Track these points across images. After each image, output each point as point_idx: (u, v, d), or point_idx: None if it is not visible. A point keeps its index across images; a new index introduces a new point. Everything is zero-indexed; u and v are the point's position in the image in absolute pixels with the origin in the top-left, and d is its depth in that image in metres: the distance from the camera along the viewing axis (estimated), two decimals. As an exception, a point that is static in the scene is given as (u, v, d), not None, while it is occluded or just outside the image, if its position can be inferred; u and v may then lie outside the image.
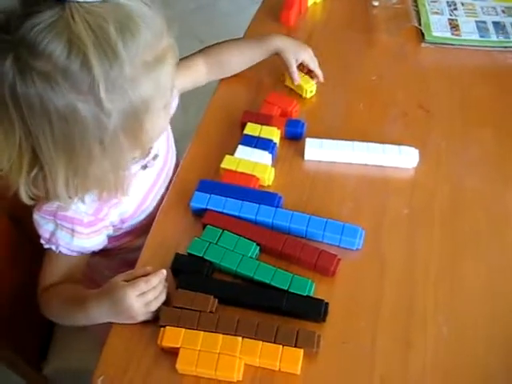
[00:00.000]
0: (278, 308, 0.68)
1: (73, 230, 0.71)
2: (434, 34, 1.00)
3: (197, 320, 0.66)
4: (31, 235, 0.74)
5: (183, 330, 0.66)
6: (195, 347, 0.64)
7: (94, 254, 0.80)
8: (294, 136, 0.85)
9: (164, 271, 0.68)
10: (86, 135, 0.60)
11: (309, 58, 0.92)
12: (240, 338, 0.65)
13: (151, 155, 0.78)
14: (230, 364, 0.64)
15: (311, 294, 0.69)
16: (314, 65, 0.93)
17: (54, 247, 0.72)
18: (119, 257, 0.87)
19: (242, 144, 0.83)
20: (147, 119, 0.64)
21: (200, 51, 0.92)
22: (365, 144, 0.83)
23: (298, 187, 0.82)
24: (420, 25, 1.01)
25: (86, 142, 0.61)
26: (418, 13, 1.04)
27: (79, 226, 0.71)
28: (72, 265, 0.74)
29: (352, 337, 0.68)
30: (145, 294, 0.65)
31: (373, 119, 0.89)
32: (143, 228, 0.80)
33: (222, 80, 0.96)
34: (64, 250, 0.72)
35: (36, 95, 0.57)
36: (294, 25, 1.04)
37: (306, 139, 0.83)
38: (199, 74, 0.92)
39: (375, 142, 0.83)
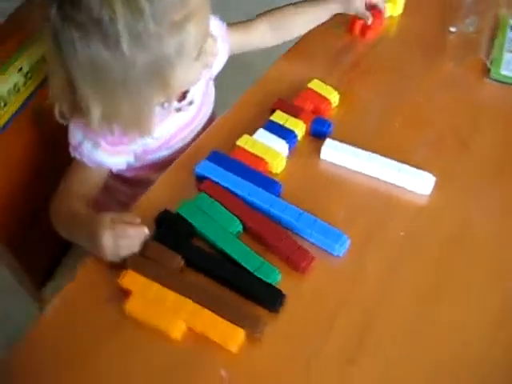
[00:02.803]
0: (239, 287, 0.70)
1: (96, 143, 0.78)
2: (503, 72, 0.95)
3: (157, 273, 0.69)
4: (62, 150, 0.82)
5: (142, 277, 0.69)
6: (147, 296, 0.68)
7: (114, 178, 0.88)
8: (319, 134, 0.86)
9: (146, 230, 0.71)
10: (111, 80, 0.68)
11: None
12: (190, 301, 0.67)
13: (186, 100, 0.83)
14: (172, 320, 0.66)
15: (274, 284, 0.70)
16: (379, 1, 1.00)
17: (78, 155, 0.79)
18: (135, 189, 0.92)
19: (264, 128, 0.85)
20: (172, 73, 0.70)
21: (262, 13, 0.96)
22: (383, 159, 0.81)
23: (304, 183, 0.82)
24: (488, 59, 0.96)
25: (111, 86, 0.68)
26: (491, 46, 0.99)
27: (103, 140, 0.78)
28: (90, 178, 0.81)
29: (297, 337, 0.68)
30: (118, 239, 0.69)
31: (404, 138, 0.87)
32: (163, 164, 0.85)
33: (278, 61, 0.98)
34: (86, 160, 0.79)
35: (71, 42, 0.65)
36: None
37: (326, 139, 0.84)
38: (260, 34, 0.96)
39: (396, 160, 0.81)
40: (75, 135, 0.79)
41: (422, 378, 0.65)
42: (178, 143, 0.88)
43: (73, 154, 0.80)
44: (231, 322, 0.66)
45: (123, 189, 0.92)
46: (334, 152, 0.82)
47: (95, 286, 0.71)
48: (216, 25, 0.88)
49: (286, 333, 0.68)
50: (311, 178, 0.83)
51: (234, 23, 0.94)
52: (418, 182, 0.80)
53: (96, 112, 0.71)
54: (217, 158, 0.81)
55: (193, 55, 0.73)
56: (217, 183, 0.78)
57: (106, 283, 0.70)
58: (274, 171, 0.82)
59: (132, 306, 0.67)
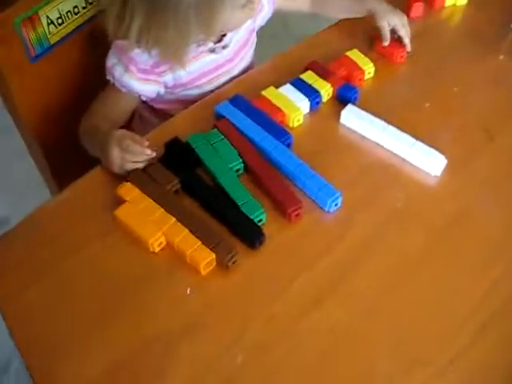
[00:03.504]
0: (224, 217, 0.73)
1: (127, 67, 0.83)
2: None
3: (153, 189, 0.74)
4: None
5: (138, 190, 0.74)
6: (137, 207, 0.72)
7: (145, 108, 0.94)
8: (344, 100, 0.86)
9: (149, 151, 0.74)
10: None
11: (401, 25, 0.93)
12: (174, 219, 0.71)
13: (222, 43, 0.87)
14: (153, 231, 0.70)
15: (259, 223, 0.72)
16: (404, 32, 0.93)
17: (110, 78, 0.85)
18: (164, 121, 0.95)
19: (291, 84, 0.86)
20: (219, 12, 0.75)
21: None
22: (399, 132, 0.81)
23: (316, 142, 0.83)
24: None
25: (163, 4, 0.73)
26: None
27: (134, 66, 0.83)
28: (118, 102, 0.87)
29: (268, 277, 0.70)
30: (124, 152, 0.74)
31: (428, 120, 0.86)
32: (192, 103, 0.89)
33: (324, 30, 0.99)
34: (117, 83, 0.84)
35: None
36: (419, 15, 1.01)
37: (348, 104, 0.84)
38: (301, 4, 1.00)
39: (413, 136, 0.81)
40: (111, 58, 0.85)
41: (383, 339, 0.66)
42: (207, 84, 0.91)
43: (107, 76, 0.86)
44: (206, 245, 0.69)
45: (153, 119, 0.97)
46: (353, 118, 0.83)
47: (96, 192, 0.77)
48: None
49: (258, 271, 0.70)
50: (325, 138, 0.84)
51: None
52: (428, 161, 0.79)
53: (137, 22, 0.76)
54: (239, 101, 0.84)
55: (241, 1, 0.77)
56: (232, 123, 0.81)
57: (107, 191, 0.76)
58: (290, 124, 0.84)
59: (121, 212, 0.72)
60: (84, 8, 0.93)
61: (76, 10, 0.92)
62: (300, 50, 0.96)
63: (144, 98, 0.89)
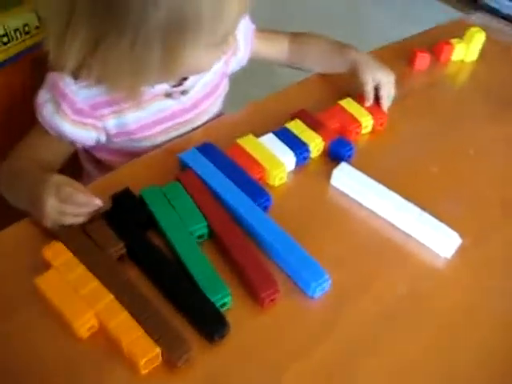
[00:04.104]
0: (176, 297, 0.56)
1: (59, 106, 0.66)
2: None
3: (89, 253, 0.57)
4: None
5: (70, 253, 0.57)
6: (66, 275, 0.55)
7: (89, 161, 0.78)
8: (337, 156, 0.72)
9: (98, 201, 0.59)
10: (125, 15, 0.57)
11: (386, 82, 0.78)
12: (111, 296, 0.54)
13: (180, 87, 0.72)
14: (81, 311, 0.53)
15: (222, 307, 0.56)
16: (385, 91, 0.78)
17: (39, 117, 0.68)
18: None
19: (274, 133, 0.72)
20: (190, 42, 0.60)
21: (289, 32, 0.87)
22: (402, 200, 0.66)
23: (301, 205, 0.68)
24: None
25: (121, 24, 0.58)
26: None
27: (67, 105, 0.66)
28: (51, 147, 0.70)
29: (227, 379, 0.53)
30: (64, 203, 0.58)
31: (436, 187, 0.72)
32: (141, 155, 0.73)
33: (311, 76, 0.86)
34: (46, 124, 0.68)
35: None
36: (423, 68, 0.89)
37: (341, 163, 0.70)
38: (279, 50, 0.86)
39: (419, 206, 0.66)
40: (42, 93, 0.68)
41: None
42: (159, 136, 0.75)
43: (36, 113, 0.69)
44: (150, 334, 0.52)
45: (94, 172, 0.80)
46: (346, 179, 0.68)
47: (19, 250, 0.60)
48: (245, 22, 0.79)
49: (217, 372, 0.53)
50: (312, 202, 0.69)
51: (261, 29, 0.84)
52: (438, 239, 0.64)
53: (80, 46, 0.60)
54: (208, 150, 0.69)
55: (219, 36, 0.62)
56: (198, 176, 0.66)
57: (33, 249, 0.59)
58: (270, 182, 0.69)
59: (44, 281, 0.55)
60: (37, 28, 0.78)
61: (27, 28, 0.77)
62: (285, 96, 0.82)
63: (79, 146, 0.72)
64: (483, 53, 0.92)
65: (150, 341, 0.52)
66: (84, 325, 0.53)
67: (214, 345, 0.54)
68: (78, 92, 0.67)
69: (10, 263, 0.59)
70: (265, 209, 0.65)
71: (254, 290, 0.57)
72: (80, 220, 0.60)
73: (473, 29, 0.90)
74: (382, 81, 0.78)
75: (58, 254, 0.57)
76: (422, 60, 0.88)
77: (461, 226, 0.65)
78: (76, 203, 0.59)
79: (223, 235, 0.61)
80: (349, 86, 0.81)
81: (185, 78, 0.72)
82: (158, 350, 0.52)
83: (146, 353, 0.51)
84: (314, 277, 0.58)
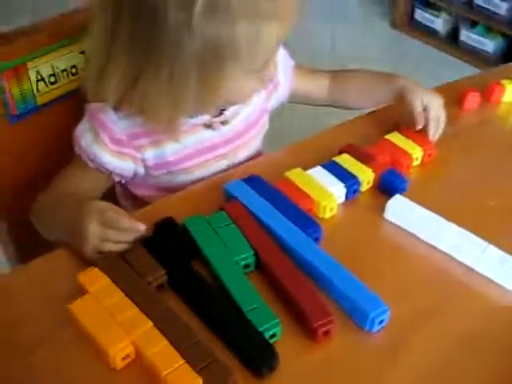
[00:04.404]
0: (221, 325, 0.51)
1: (98, 135, 0.65)
2: None
3: (128, 280, 0.54)
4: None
5: (108, 280, 0.54)
6: (102, 301, 0.52)
7: (125, 197, 0.76)
8: (389, 189, 0.67)
9: (142, 227, 0.57)
10: (162, 47, 0.57)
11: (436, 105, 0.74)
12: (150, 323, 0.50)
13: (221, 117, 0.70)
14: (117, 338, 0.49)
15: (270, 339, 0.51)
16: (434, 113, 0.74)
17: (77, 148, 0.67)
18: None
19: (322, 166, 0.69)
20: (227, 69, 0.59)
21: (329, 70, 0.85)
22: (462, 232, 0.61)
23: (354, 238, 0.63)
24: None
25: (158, 55, 0.58)
26: None
27: (106, 135, 0.65)
28: (86, 180, 0.68)
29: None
30: (106, 228, 0.56)
31: (498, 221, 0.66)
32: (179, 190, 0.70)
33: (356, 118, 0.83)
34: (83, 155, 0.67)
35: None
36: (473, 107, 0.85)
37: (395, 195, 0.66)
38: (320, 86, 0.84)
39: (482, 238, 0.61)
40: (81, 124, 0.68)
41: None
42: (198, 169, 0.72)
43: (74, 147, 0.68)
44: (192, 364, 0.47)
45: (131, 209, 0.75)
46: (402, 211, 0.64)
47: (55, 276, 0.57)
48: (283, 57, 0.78)
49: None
50: (365, 235, 0.64)
51: (301, 66, 0.83)
52: (504, 271, 0.58)
53: (121, 78, 0.60)
54: (255, 182, 0.66)
55: (258, 61, 0.61)
56: (245, 207, 0.63)
57: (69, 277, 0.55)
58: (320, 215, 0.65)
59: (78, 307, 0.51)
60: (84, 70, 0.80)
61: (74, 70, 0.78)
62: (330, 134, 0.79)
63: (117, 178, 0.69)
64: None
65: (192, 371, 0.47)
66: (120, 352, 0.48)
67: (261, 380, 0.49)
68: (117, 122, 0.66)
69: (43, 292, 0.56)
70: (315, 240, 0.61)
71: (307, 320, 0.52)
72: (121, 247, 0.57)
73: (524, 69, 0.88)
74: (431, 103, 0.74)
75: (94, 280, 0.54)
76: (473, 99, 0.84)
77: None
78: (119, 228, 0.56)
79: (272, 264, 0.56)
80: (393, 121, 0.78)
81: (224, 109, 0.71)
82: (199, 380, 0.46)
83: (184, 382, 0.46)
84: (372, 308, 0.53)
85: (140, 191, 0.75)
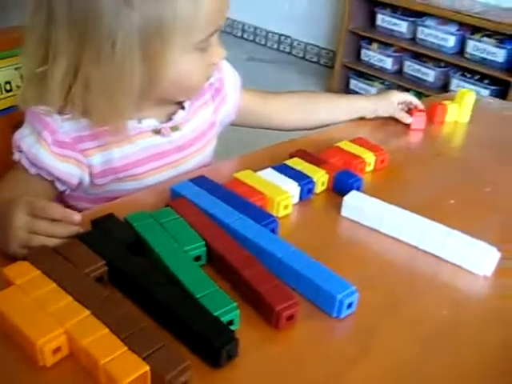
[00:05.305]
0: (167, 311, 0.45)
1: (40, 134, 0.60)
2: None
3: (62, 272, 0.46)
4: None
5: (38, 272, 0.46)
6: (31, 293, 0.44)
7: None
8: (344, 188, 0.64)
9: (77, 217, 0.51)
10: (99, 26, 0.54)
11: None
12: (87, 312, 0.43)
13: (170, 122, 0.67)
14: (47, 328, 0.41)
15: (226, 323, 0.44)
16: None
17: (17, 154, 0.61)
18: None
19: (273, 168, 0.66)
20: (171, 42, 0.57)
21: (285, 92, 0.86)
22: (423, 220, 0.58)
23: (312, 235, 0.59)
24: None
25: (96, 37, 0.55)
26: None
27: (48, 133, 0.60)
28: (27, 191, 0.60)
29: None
30: (36, 219, 0.50)
31: (460, 213, 0.65)
32: None
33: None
34: (24, 160, 0.61)
35: None
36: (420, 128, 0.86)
37: (351, 191, 0.63)
38: (279, 108, 0.83)
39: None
40: (21, 129, 0.62)
41: None
42: (147, 176, 0.67)
43: (14, 153, 0.62)
44: (136, 352, 0.40)
45: None
46: (359, 206, 0.61)
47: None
48: (232, 73, 0.77)
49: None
50: (322, 233, 0.60)
51: (251, 89, 0.82)
52: (473, 256, 0.55)
53: (62, 73, 0.56)
54: (202, 181, 0.61)
55: (200, 33, 0.59)
56: (191, 202, 0.58)
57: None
58: (274, 213, 0.60)
59: (2, 299, 0.43)
60: (19, 87, 0.75)
61: (8, 86, 0.75)
62: (280, 147, 0.75)
63: (60, 187, 0.63)
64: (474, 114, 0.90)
65: (137, 358, 0.40)
66: (49, 343, 0.40)
67: (219, 371, 0.42)
68: (61, 124, 0.61)
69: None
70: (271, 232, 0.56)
71: (268, 305, 0.46)
72: (53, 242, 0.50)
73: (463, 90, 0.90)
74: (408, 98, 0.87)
75: (22, 272, 0.46)
76: (419, 119, 0.86)
77: (494, 238, 0.57)
78: (50, 217, 0.50)
79: (225, 254, 0.51)
80: (342, 136, 0.77)
81: (173, 114, 0.67)
82: (146, 368, 0.39)
83: (131, 371, 0.39)
84: (339, 290, 0.48)
85: (82, 205, 0.68)
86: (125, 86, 0.58)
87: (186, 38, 0.58)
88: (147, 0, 0.55)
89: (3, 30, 0.76)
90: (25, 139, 0.61)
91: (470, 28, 2.05)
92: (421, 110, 0.85)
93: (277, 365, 0.44)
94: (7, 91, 0.74)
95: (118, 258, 0.49)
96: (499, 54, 2.00)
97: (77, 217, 0.51)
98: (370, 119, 0.85)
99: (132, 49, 0.56)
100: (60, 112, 0.61)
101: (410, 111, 0.86)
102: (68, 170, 0.62)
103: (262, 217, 0.57)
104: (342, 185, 0.65)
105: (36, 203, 0.51)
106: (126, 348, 0.40)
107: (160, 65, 0.58)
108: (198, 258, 0.52)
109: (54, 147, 0.61)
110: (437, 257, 0.57)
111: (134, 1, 0.54)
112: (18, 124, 0.65)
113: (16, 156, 0.62)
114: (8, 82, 0.74)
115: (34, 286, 0.45)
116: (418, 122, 0.85)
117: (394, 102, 0.86)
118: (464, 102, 0.88)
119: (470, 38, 2.06)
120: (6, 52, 0.72)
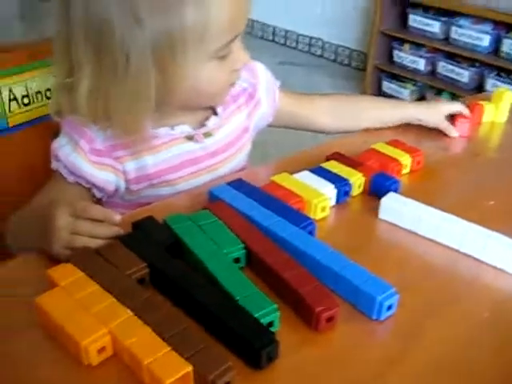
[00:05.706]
0: (209, 313, 0.45)
1: (77, 144, 0.62)
2: None
3: (105, 274, 0.47)
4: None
5: (82, 274, 0.48)
6: (74, 294, 0.45)
7: None
8: (381, 191, 0.63)
9: (118, 217, 0.53)
10: (113, 40, 0.55)
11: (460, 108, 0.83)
12: (130, 313, 0.44)
13: (203, 129, 0.68)
14: (91, 328, 0.42)
15: (266, 325, 0.45)
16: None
17: (54, 162, 0.63)
18: None
19: (310, 171, 0.66)
20: (184, 56, 0.57)
21: (324, 94, 0.85)
22: (463, 222, 0.57)
23: (350, 237, 0.59)
24: None
25: (111, 48, 0.56)
26: None
27: (86, 143, 0.62)
28: (65, 198, 0.60)
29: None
30: (78, 220, 0.51)
31: (499, 214, 0.63)
32: None
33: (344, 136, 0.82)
34: (62, 168, 0.62)
35: None
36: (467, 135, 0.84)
37: (389, 193, 0.62)
38: (317, 111, 0.82)
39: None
40: (58, 138, 0.64)
41: None
42: (180, 182, 0.68)
43: (52, 162, 0.64)
44: (179, 352, 0.41)
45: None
46: (397, 209, 0.60)
47: (23, 276, 0.51)
48: (267, 77, 0.76)
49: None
50: (360, 235, 0.60)
51: (289, 91, 0.82)
52: (514, 258, 0.54)
53: (85, 82, 0.57)
54: (240, 185, 0.62)
55: (213, 44, 0.59)
56: (229, 206, 0.58)
57: (37, 276, 0.49)
58: (311, 215, 0.60)
59: (47, 300, 0.45)
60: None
61: (48, 93, 0.77)
62: (315, 150, 0.75)
63: (98, 194, 0.65)
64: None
65: (180, 358, 0.40)
66: (94, 343, 0.41)
67: (259, 372, 0.42)
68: (97, 133, 0.63)
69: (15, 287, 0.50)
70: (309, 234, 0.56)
71: (308, 307, 0.46)
72: (96, 243, 0.51)
73: (500, 89, 0.88)
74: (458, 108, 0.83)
75: (66, 274, 0.47)
76: (463, 126, 0.84)
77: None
78: (92, 217, 0.52)
79: (265, 256, 0.51)
80: (377, 138, 0.77)
81: (206, 119, 0.68)
82: (189, 367, 0.40)
83: (174, 371, 0.39)
84: (379, 292, 0.48)
85: (118, 211, 0.69)
86: (142, 98, 0.58)
87: (198, 48, 0.58)
88: (155, 14, 0.55)
89: (46, 38, 0.78)
90: (62, 148, 0.63)
91: (506, 26, 2.02)
92: (465, 117, 0.83)
93: (316, 367, 0.44)
94: (48, 98, 0.76)
95: (159, 260, 0.50)
96: (536, 53, 1.96)
97: (117, 217, 0.52)
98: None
99: (146, 62, 0.56)
100: (93, 121, 0.62)
101: (453, 117, 0.84)
102: (105, 177, 0.64)
103: (300, 219, 0.57)
104: (378, 187, 0.65)
105: (77, 204, 0.52)
106: (169, 348, 0.41)
107: (175, 75, 0.58)
108: (237, 260, 0.52)
109: (91, 155, 0.62)
110: (477, 259, 0.56)
111: (143, 15, 0.55)
112: (57, 131, 0.67)
113: (54, 165, 0.64)
114: (49, 89, 0.76)
115: (78, 287, 0.46)
116: (461, 128, 0.84)
117: (443, 113, 0.82)
118: (501, 102, 0.87)
119: (505, 37, 2.03)
120: (47, 60, 0.74)
